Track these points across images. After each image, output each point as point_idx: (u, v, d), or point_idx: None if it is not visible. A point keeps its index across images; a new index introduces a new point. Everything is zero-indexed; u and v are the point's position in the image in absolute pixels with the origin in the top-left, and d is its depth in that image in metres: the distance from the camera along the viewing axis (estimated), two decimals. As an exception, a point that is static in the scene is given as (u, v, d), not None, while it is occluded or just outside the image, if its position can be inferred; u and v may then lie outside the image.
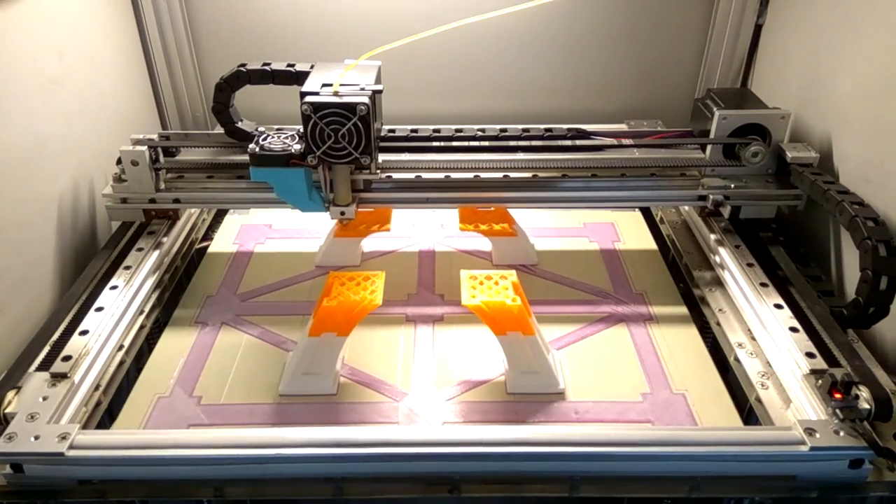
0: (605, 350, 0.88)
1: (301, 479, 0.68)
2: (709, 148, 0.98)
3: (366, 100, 0.80)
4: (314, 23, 1.24)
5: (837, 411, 0.68)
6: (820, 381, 0.71)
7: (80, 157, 1.02)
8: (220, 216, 1.18)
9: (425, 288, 1.00)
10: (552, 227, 1.14)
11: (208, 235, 1.14)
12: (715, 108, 0.96)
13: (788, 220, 1.01)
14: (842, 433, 0.66)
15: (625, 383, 0.82)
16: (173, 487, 0.68)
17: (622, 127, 1.16)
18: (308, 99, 0.80)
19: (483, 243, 1.07)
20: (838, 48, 0.96)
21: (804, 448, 0.65)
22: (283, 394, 0.81)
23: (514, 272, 0.82)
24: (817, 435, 0.66)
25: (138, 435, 0.71)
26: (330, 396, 0.81)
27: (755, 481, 0.68)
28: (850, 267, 0.90)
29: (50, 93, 0.95)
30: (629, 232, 1.14)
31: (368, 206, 0.98)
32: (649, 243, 1.11)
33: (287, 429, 0.70)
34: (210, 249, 1.10)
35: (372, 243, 1.07)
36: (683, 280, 1.02)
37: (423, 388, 0.82)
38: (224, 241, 1.12)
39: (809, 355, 0.75)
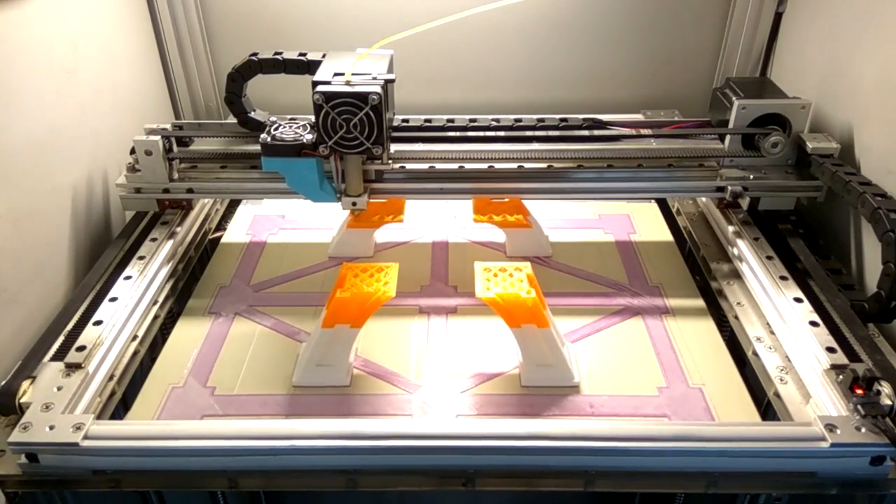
0: (621, 343, 0.87)
1: (315, 471, 0.68)
2: (727, 138, 0.96)
3: (378, 89, 0.79)
4: (326, 11, 1.23)
5: (859, 407, 0.67)
6: (841, 377, 0.70)
7: (94, 146, 1.02)
8: (233, 206, 1.18)
9: (438, 279, 0.99)
10: (567, 219, 1.13)
11: (221, 225, 1.14)
12: (734, 98, 0.95)
13: (808, 212, 0.99)
14: (863, 430, 0.65)
15: (641, 377, 0.82)
16: (187, 478, 0.68)
17: (638, 117, 1.15)
18: (320, 88, 0.80)
19: (497, 234, 1.06)
20: (861, 37, 0.94)
21: (825, 444, 0.64)
22: (296, 385, 0.81)
23: (528, 264, 0.81)
24: (838, 431, 0.65)
25: (152, 426, 0.71)
26: (343, 388, 0.81)
27: (774, 477, 0.67)
28: (872, 260, 0.88)
29: (64, 83, 0.95)
30: (645, 223, 1.12)
31: (381, 196, 0.97)
32: (665, 235, 1.09)
33: (301, 420, 0.70)
34: (223, 240, 1.10)
35: (385, 234, 1.07)
36: (700, 272, 1.00)
37: (436, 381, 0.81)
38: (237, 232, 1.11)
39: (830, 350, 0.74)
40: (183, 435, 0.67)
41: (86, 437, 0.66)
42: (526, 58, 1.27)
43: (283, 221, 1.14)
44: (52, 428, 0.66)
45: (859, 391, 0.68)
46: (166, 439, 0.67)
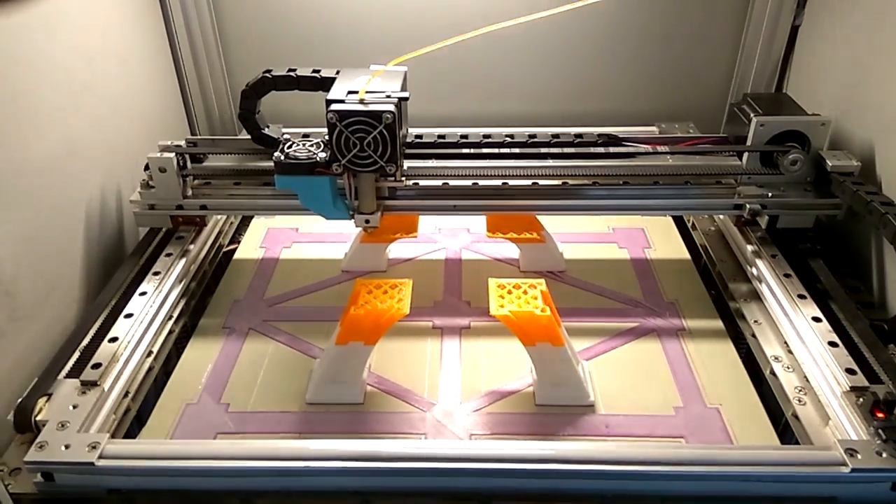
0: (636, 361, 0.86)
1: (328, 493, 0.68)
2: (745, 155, 0.95)
3: (391, 108, 0.79)
4: (341, 26, 1.23)
5: (880, 431, 0.66)
6: (861, 399, 0.69)
7: (109, 162, 1.02)
8: (246, 219, 1.18)
9: (452, 294, 0.99)
10: (580, 233, 1.12)
11: (235, 238, 1.14)
12: (752, 114, 0.93)
13: (826, 229, 0.98)
14: (884, 454, 0.64)
15: (657, 396, 0.81)
16: (201, 498, 0.68)
17: (653, 130, 1.14)
18: (334, 107, 0.79)
19: (510, 249, 1.05)
20: (881, 51, 0.93)
21: (845, 469, 0.63)
22: (309, 402, 0.81)
23: (542, 281, 0.80)
24: (859, 456, 0.64)
25: (167, 445, 0.72)
26: (357, 406, 0.80)
27: (793, 502, 0.65)
28: (893, 279, 0.87)
29: (80, 98, 0.96)
30: (660, 238, 1.11)
31: (395, 213, 0.97)
32: (681, 250, 1.08)
33: (315, 441, 0.69)
34: (237, 254, 1.10)
35: (398, 249, 1.07)
36: (715, 287, 0.99)
37: (450, 399, 0.81)
38: (251, 245, 1.12)
39: (850, 371, 0.73)
40: (197, 455, 0.67)
41: (101, 457, 0.66)
42: (540, 70, 1.27)
43: (297, 235, 1.14)
44: (67, 447, 0.67)
45: (880, 415, 0.67)
46: (181, 459, 0.67)
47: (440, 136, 0.97)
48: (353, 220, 0.89)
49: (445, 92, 1.28)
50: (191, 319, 0.95)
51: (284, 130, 1.00)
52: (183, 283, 0.94)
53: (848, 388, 0.71)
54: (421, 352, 0.88)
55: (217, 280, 1.04)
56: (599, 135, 0.96)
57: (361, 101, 0.80)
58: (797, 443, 0.74)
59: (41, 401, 0.72)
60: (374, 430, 0.77)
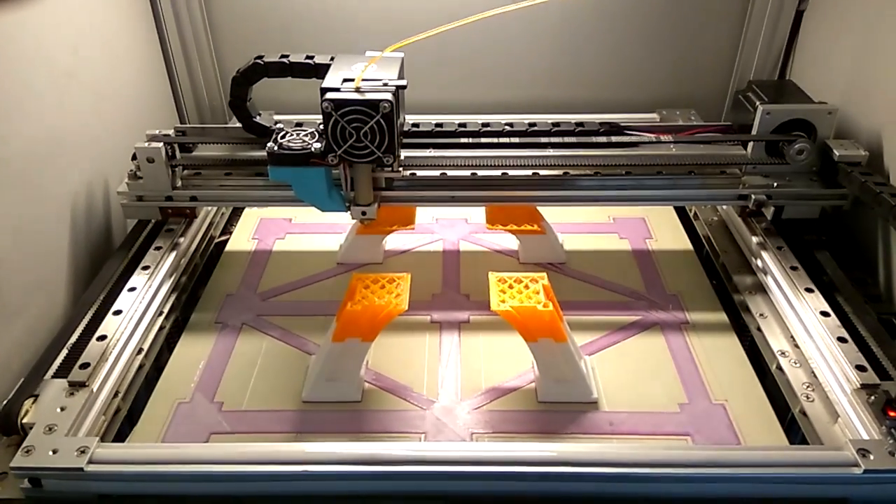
0: (640, 356, 0.85)
1: (326, 497, 0.66)
2: (750, 144, 0.93)
3: (389, 97, 0.76)
4: (335, 10, 1.20)
5: (892, 431, 0.64)
6: (873, 398, 0.68)
7: (95, 152, 0.99)
8: (238, 209, 1.15)
9: (450, 287, 0.97)
10: (580, 223, 1.10)
11: (227, 229, 1.11)
12: (758, 102, 0.91)
13: (832, 220, 0.96)
14: (897, 455, 0.63)
15: (661, 392, 0.79)
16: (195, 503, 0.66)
17: (653, 116, 1.12)
18: (329, 96, 0.77)
19: (509, 240, 1.03)
20: (889, 36, 0.91)
21: (857, 470, 0.62)
22: (306, 400, 0.79)
23: (544, 275, 0.79)
24: (871, 456, 0.62)
25: (159, 449, 0.69)
26: (354, 404, 0.78)
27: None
28: (901, 271, 0.86)
29: (65, 87, 0.92)
30: (661, 228, 1.09)
31: (392, 204, 0.94)
32: (683, 241, 1.06)
33: (312, 444, 0.67)
34: (229, 245, 1.07)
35: (395, 240, 1.04)
36: (717, 277, 0.98)
37: (450, 396, 0.79)
38: (243, 237, 1.09)
39: (860, 368, 0.71)
40: (190, 459, 0.65)
41: (90, 462, 0.64)
42: (539, 56, 1.24)
43: (290, 225, 1.11)
44: (55, 452, 0.64)
45: (892, 414, 0.65)
46: (173, 464, 0.64)
47: (438, 125, 0.94)
48: (349, 213, 0.87)
49: (443, 79, 1.25)
50: (182, 314, 0.93)
51: (277, 118, 0.97)
52: (173, 277, 0.92)
53: (858, 386, 0.70)
54: (419, 347, 0.86)
55: (208, 273, 1.01)
56: (601, 123, 0.94)
57: (357, 90, 0.77)
58: (803, 439, 0.73)
59: (27, 402, 0.70)
60: (372, 429, 0.75)
